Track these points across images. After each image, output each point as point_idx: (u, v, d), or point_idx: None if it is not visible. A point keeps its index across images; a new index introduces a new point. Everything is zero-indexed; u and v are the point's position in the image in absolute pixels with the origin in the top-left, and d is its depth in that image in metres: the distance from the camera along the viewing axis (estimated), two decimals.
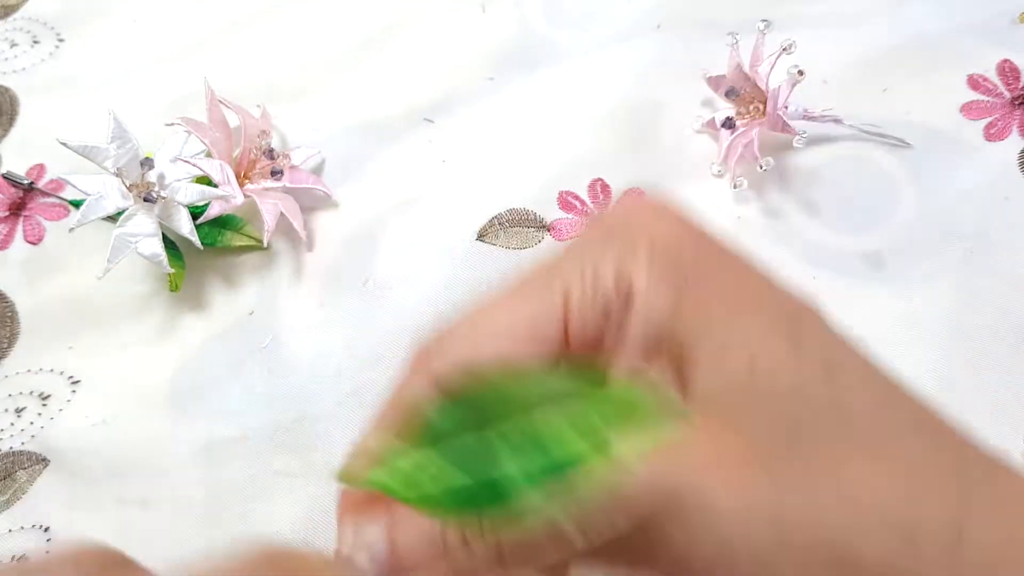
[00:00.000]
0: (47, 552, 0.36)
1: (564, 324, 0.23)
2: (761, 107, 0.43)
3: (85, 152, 0.40)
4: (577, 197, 0.44)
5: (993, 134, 0.44)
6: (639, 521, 0.19)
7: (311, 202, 0.45)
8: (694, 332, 0.21)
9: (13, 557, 0.37)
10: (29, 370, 0.42)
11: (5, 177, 0.46)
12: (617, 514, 0.19)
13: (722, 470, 0.19)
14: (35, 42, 0.53)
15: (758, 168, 0.41)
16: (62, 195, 0.46)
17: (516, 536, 0.19)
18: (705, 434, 0.20)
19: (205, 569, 0.18)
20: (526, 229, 0.43)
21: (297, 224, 0.43)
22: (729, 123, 0.43)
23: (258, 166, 0.44)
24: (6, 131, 0.49)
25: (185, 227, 0.40)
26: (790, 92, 0.41)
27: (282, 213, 0.42)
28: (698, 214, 0.24)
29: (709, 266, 0.22)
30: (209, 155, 0.42)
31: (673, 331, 0.21)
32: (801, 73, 0.40)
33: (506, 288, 0.24)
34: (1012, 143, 0.43)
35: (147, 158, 0.41)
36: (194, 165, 0.40)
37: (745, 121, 0.44)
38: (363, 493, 0.21)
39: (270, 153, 0.44)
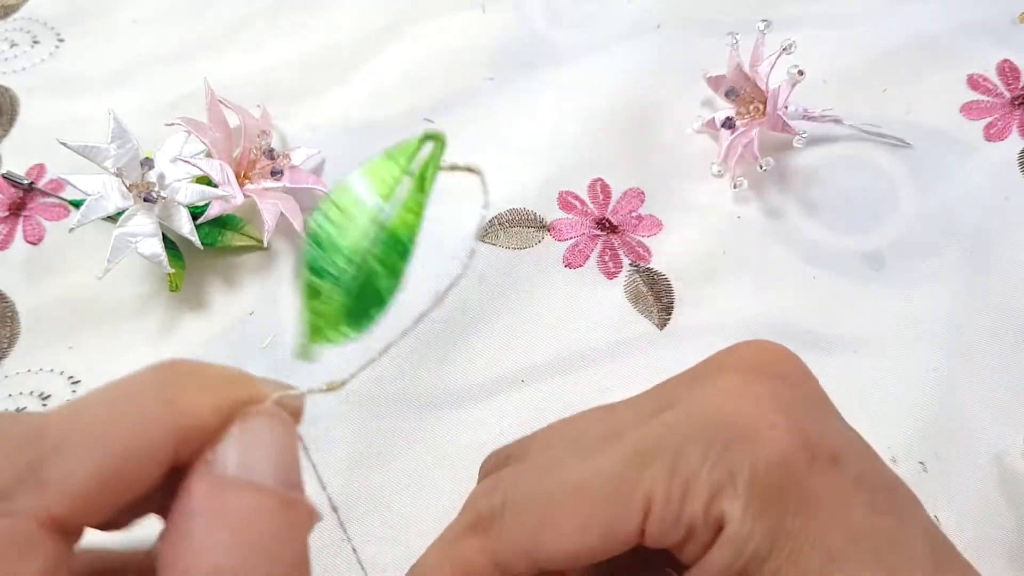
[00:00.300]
0: None
1: (640, 533, 0.22)
2: (761, 107, 0.43)
3: (85, 152, 0.40)
4: (577, 197, 0.44)
5: (993, 134, 0.44)
6: None
7: (311, 202, 0.45)
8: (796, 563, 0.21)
9: None
10: (29, 370, 0.42)
11: (5, 177, 0.46)
12: None
13: None
14: (35, 42, 0.53)
15: (758, 168, 0.41)
16: (62, 195, 0.46)
17: None
18: None
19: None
20: (526, 229, 0.43)
21: (297, 224, 0.43)
22: (729, 123, 0.43)
23: (258, 166, 0.44)
24: (6, 131, 0.49)
25: (185, 227, 0.40)
26: (790, 92, 0.41)
27: (282, 213, 0.42)
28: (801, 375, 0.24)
29: (811, 500, 0.21)
30: (209, 155, 0.42)
31: (760, 571, 0.21)
32: (801, 73, 0.40)
33: (584, 463, 0.23)
34: (1012, 143, 0.43)
35: (147, 158, 0.40)
36: (194, 165, 0.40)
37: (745, 121, 0.44)
38: None
39: (270, 153, 0.44)
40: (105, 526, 0.18)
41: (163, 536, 0.17)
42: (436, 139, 0.22)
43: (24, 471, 0.16)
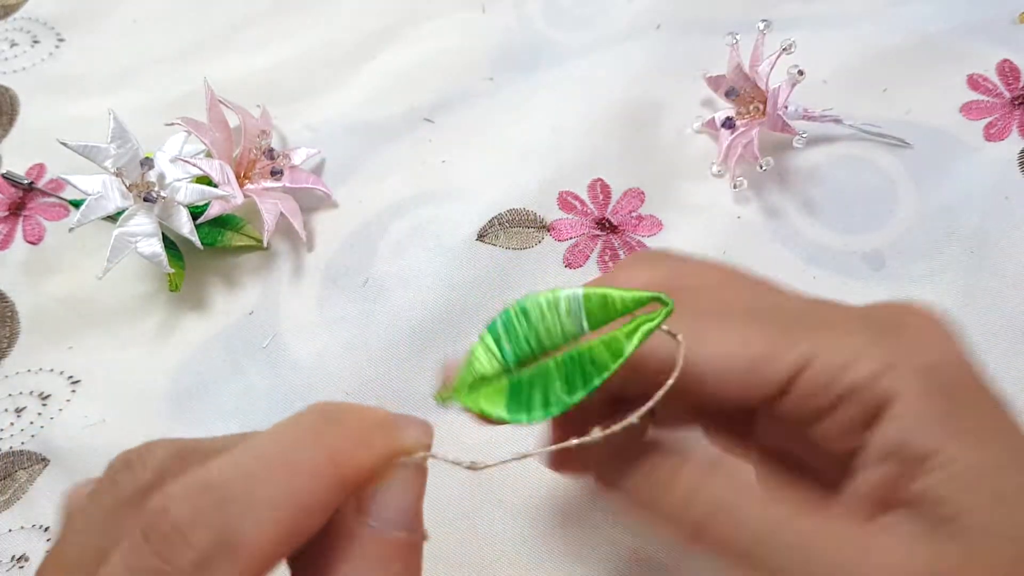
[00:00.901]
0: (47, 553, 0.36)
1: (788, 383, 0.22)
2: (761, 107, 0.43)
3: (85, 152, 0.40)
4: (577, 197, 0.44)
5: (993, 134, 0.44)
6: None
7: (311, 202, 0.45)
8: (964, 463, 0.21)
9: (13, 557, 0.37)
10: (29, 370, 0.42)
11: (5, 177, 0.46)
12: None
13: None
14: (35, 42, 0.53)
15: (758, 168, 0.41)
16: (62, 195, 0.46)
17: None
18: (946, 566, 0.20)
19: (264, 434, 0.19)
20: (526, 229, 0.43)
21: (297, 224, 0.43)
22: (729, 123, 0.43)
23: (258, 166, 0.44)
24: (6, 131, 0.49)
25: (185, 227, 0.40)
26: (790, 92, 0.41)
27: (282, 213, 0.42)
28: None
29: (970, 399, 0.22)
30: (209, 155, 0.42)
31: (935, 458, 0.21)
32: (801, 73, 0.40)
33: (761, 304, 0.24)
34: (1012, 143, 0.43)
35: (147, 158, 0.41)
36: (194, 165, 0.41)
37: (745, 121, 0.44)
38: None
39: (270, 153, 0.44)
40: None
41: (300, 561, 0.19)
42: (666, 305, 0.22)
43: (218, 537, 0.17)
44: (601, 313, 0.23)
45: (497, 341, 0.24)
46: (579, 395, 0.22)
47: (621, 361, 0.22)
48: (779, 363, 0.22)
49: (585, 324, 0.23)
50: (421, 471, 0.21)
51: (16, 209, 0.46)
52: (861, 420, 0.22)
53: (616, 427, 0.22)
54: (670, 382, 0.22)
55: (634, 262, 0.26)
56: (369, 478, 0.20)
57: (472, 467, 0.23)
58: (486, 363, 0.24)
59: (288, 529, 0.18)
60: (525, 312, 0.24)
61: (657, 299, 0.22)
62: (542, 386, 0.23)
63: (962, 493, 0.20)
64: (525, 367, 0.24)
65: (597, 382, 0.22)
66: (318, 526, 0.19)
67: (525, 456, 0.23)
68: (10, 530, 0.38)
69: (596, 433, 0.22)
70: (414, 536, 0.20)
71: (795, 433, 0.24)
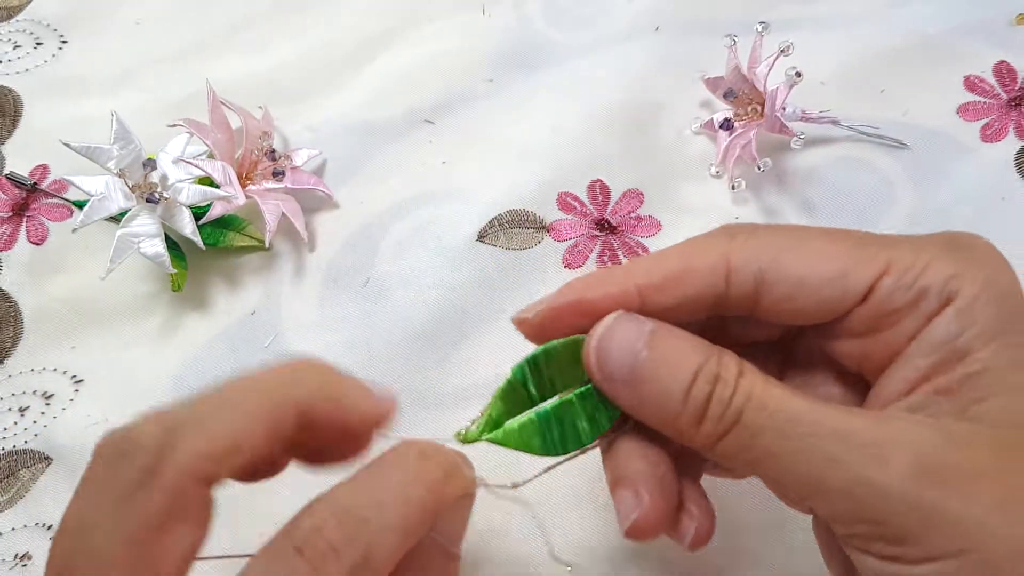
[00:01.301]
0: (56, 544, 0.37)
1: (869, 290, 0.24)
2: (759, 108, 0.43)
3: (88, 153, 0.40)
4: (576, 198, 0.44)
5: (989, 135, 0.44)
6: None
7: (312, 203, 0.45)
8: (1008, 361, 0.23)
9: (16, 555, 0.37)
10: (32, 369, 0.42)
11: (8, 178, 0.47)
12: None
13: (994, 485, 0.21)
14: (38, 43, 0.53)
15: (756, 169, 0.42)
16: (65, 196, 0.46)
17: None
18: (986, 451, 0.22)
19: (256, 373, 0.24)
20: (526, 230, 0.43)
21: (299, 225, 0.43)
22: (727, 124, 0.44)
23: (260, 167, 0.44)
24: (9, 132, 0.49)
25: (187, 228, 0.40)
26: (788, 93, 0.41)
27: (284, 214, 0.43)
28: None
29: (1018, 312, 0.24)
30: (211, 156, 0.42)
31: (977, 353, 0.23)
32: (799, 75, 0.40)
33: (833, 229, 0.26)
34: (1008, 144, 0.44)
35: (149, 159, 0.41)
36: (196, 166, 0.41)
37: (743, 122, 0.44)
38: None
39: (272, 154, 0.44)
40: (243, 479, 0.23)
41: None
42: None
43: (364, 554, 0.21)
44: None
45: (524, 381, 0.26)
46: (605, 427, 0.26)
47: None
48: (862, 271, 0.24)
49: None
50: (471, 499, 0.25)
51: (20, 210, 0.46)
52: (925, 321, 0.24)
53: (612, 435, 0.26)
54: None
55: (709, 237, 0.27)
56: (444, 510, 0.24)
57: (515, 486, 0.26)
58: (514, 400, 0.27)
59: (403, 549, 0.22)
60: (548, 354, 0.26)
61: None
62: (570, 420, 0.26)
63: (987, 386, 0.22)
64: (548, 401, 0.26)
65: (619, 413, 0.26)
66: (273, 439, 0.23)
67: (553, 467, 0.26)
68: (13, 529, 0.38)
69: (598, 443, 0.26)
70: (458, 550, 0.25)
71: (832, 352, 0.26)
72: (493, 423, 0.26)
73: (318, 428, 0.24)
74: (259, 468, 0.25)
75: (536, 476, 0.26)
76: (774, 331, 0.28)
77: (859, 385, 0.26)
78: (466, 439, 0.26)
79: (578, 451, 0.26)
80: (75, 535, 0.21)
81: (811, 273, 0.24)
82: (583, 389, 0.26)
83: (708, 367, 0.24)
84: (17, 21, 0.54)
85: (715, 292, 0.25)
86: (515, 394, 0.26)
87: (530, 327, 0.26)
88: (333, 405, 0.24)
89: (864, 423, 0.22)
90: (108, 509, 0.21)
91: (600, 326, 0.25)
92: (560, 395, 0.26)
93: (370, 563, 0.21)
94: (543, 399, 0.26)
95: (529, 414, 0.26)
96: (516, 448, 0.26)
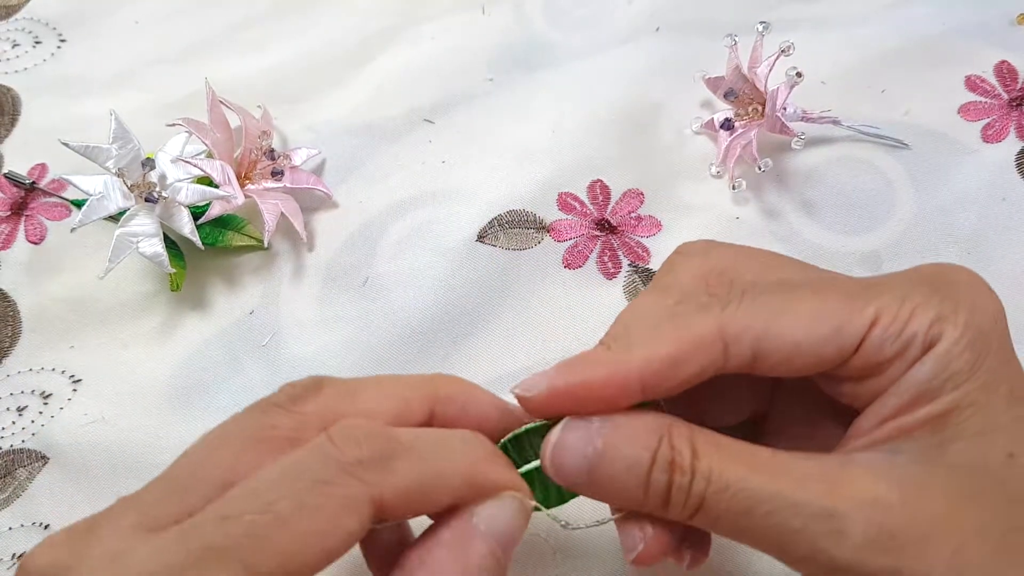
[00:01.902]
0: None
1: (860, 341, 0.24)
2: (760, 108, 0.43)
3: (86, 152, 0.40)
4: (576, 198, 0.44)
5: (991, 135, 0.44)
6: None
7: (311, 202, 0.45)
8: (971, 404, 0.24)
9: (13, 555, 0.37)
10: (31, 369, 0.42)
11: (7, 177, 0.47)
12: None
13: (946, 537, 0.23)
14: (37, 42, 0.53)
15: (757, 169, 0.42)
16: (64, 195, 0.46)
17: None
18: (941, 499, 0.23)
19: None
20: (526, 230, 0.43)
21: (297, 224, 0.43)
22: (728, 124, 0.43)
23: (259, 167, 0.44)
24: (8, 131, 0.49)
25: (186, 227, 0.40)
26: (788, 93, 0.41)
27: (283, 213, 0.43)
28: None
29: (1004, 353, 0.25)
30: (210, 156, 0.42)
31: (946, 395, 0.24)
32: (799, 75, 0.40)
33: (816, 279, 0.27)
34: (1009, 144, 0.43)
35: (148, 158, 0.41)
36: (195, 165, 0.41)
37: (744, 122, 0.44)
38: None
39: (271, 154, 0.44)
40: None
41: (416, 542, 0.25)
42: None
43: (379, 456, 0.23)
44: None
45: (507, 451, 0.28)
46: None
47: None
48: (853, 324, 0.24)
49: None
50: (525, 512, 0.26)
51: (18, 209, 0.46)
52: (910, 366, 0.24)
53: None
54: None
55: (688, 254, 0.28)
56: (487, 491, 0.25)
57: (566, 527, 0.27)
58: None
59: (421, 487, 0.23)
60: (529, 433, 0.27)
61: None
62: (552, 482, 0.27)
63: (951, 427, 0.24)
64: (531, 463, 0.27)
65: None
66: (442, 504, 0.24)
67: (606, 521, 0.27)
68: (10, 528, 0.38)
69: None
70: (502, 558, 0.24)
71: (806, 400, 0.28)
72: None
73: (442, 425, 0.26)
74: None
75: (590, 526, 0.28)
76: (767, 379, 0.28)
77: (849, 412, 0.27)
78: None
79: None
80: None
81: (806, 336, 0.25)
82: None
83: (661, 455, 0.25)
84: (16, 20, 0.54)
85: (715, 367, 0.25)
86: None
87: (529, 405, 0.27)
88: (460, 408, 0.27)
89: (820, 491, 0.23)
90: None
91: (551, 437, 0.26)
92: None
93: (387, 467, 0.23)
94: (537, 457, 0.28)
95: (529, 467, 0.27)
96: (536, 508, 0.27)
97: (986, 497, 0.23)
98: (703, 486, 0.24)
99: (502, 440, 0.27)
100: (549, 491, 0.27)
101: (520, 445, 0.27)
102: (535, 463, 0.27)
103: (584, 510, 0.28)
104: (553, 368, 0.26)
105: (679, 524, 0.26)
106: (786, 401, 0.30)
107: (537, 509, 0.26)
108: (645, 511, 0.26)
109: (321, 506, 0.22)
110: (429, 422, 0.26)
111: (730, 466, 0.24)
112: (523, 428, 0.27)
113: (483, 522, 0.24)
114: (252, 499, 0.22)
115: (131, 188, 0.40)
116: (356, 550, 0.25)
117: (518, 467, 0.27)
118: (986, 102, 0.45)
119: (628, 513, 0.27)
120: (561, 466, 0.26)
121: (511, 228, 0.43)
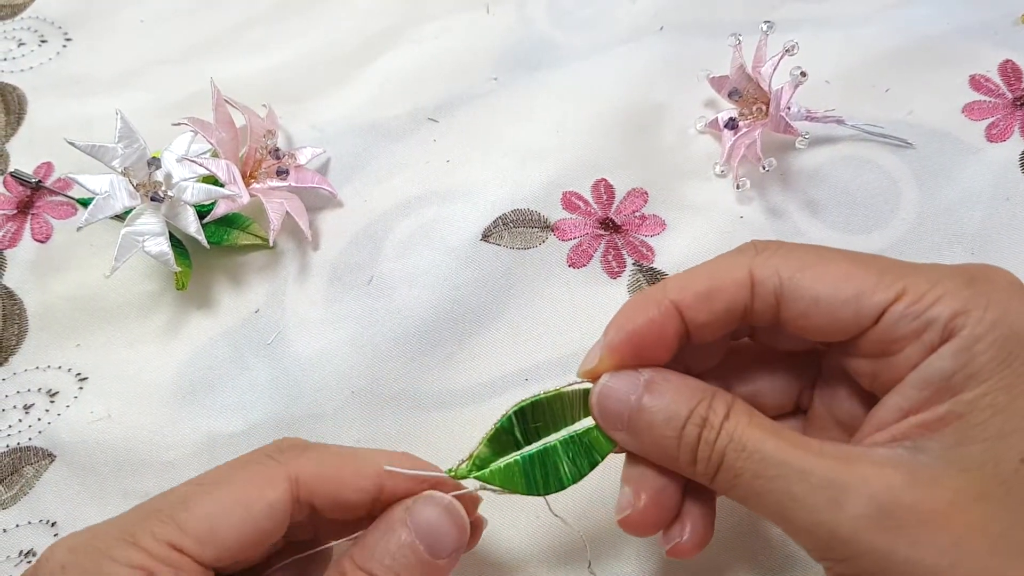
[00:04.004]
0: None
1: (881, 312, 0.25)
2: (764, 108, 0.43)
3: (92, 152, 0.40)
4: (581, 197, 0.44)
5: (995, 134, 0.44)
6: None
7: (316, 201, 0.45)
8: (991, 405, 0.23)
9: (20, 552, 0.37)
10: (37, 367, 0.42)
11: (13, 175, 0.47)
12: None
13: (947, 528, 0.23)
14: (42, 41, 0.53)
15: (761, 168, 0.42)
16: (70, 194, 0.46)
17: None
18: (947, 494, 0.23)
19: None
20: (530, 229, 0.43)
21: (302, 223, 0.43)
22: (732, 124, 0.43)
23: (264, 166, 0.44)
24: (14, 130, 0.49)
25: (192, 226, 0.41)
26: (793, 93, 0.41)
27: (288, 212, 0.43)
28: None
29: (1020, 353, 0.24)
30: (215, 155, 0.42)
31: (966, 393, 0.24)
32: (804, 74, 0.40)
33: (857, 253, 0.27)
34: (1014, 143, 0.43)
35: (154, 158, 0.41)
36: (200, 165, 0.41)
37: (748, 122, 0.44)
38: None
39: (276, 153, 0.44)
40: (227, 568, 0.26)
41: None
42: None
43: (297, 447, 0.28)
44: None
45: (511, 428, 0.29)
46: (586, 471, 0.29)
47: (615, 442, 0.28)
48: (876, 295, 0.25)
49: (582, 412, 0.29)
50: (451, 511, 0.28)
51: (24, 208, 0.46)
52: (927, 352, 0.24)
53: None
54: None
55: (736, 252, 0.29)
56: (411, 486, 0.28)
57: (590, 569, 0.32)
58: (501, 444, 0.29)
59: (336, 468, 0.28)
60: (535, 405, 0.29)
61: None
62: (552, 463, 0.29)
63: (968, 428, 0.24)
64: (532, 445, 0.29)
65: (600, 460, 0.29)
66: (362, 488, 0.28)
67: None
68: (17, 525, 0.38)
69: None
70: (423, 553, 0.27)
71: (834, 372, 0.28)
72: (480, 463, 0.29)
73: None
74: None
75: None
76: (802, 344, 0.29)
77: (876, 403, 0.27)
78: (457, 475, 0.29)
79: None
80: None
81: (826, 293, 0.25)
82: (567, 436, 0.29)
83: (698, 411, 0.26)
84: (21, 19, 0.54)
85: (743, 305, 0.26)
86: (502, 439, 0.29)
87: (596, 373, 0.28)
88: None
89: (827, 464, 0.24)
90: None
91: (598, 383, 0.28)
92: (544, 440, 0.29)
93: (304, 452, 0.28)
94: (528, 444, 0.29)
95: (515, 456, 0.29)
96: (501, 486, 0.29)
97: (995, 498, 0.23)
98: (725, 443, 0.25)
99: (507, 413, 0.29)
100: (541, 475, 0.29)
101: (522, 421, 0.29)
102: (534, 447, 0.29)
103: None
104: (602, 335, 0.28)
105: (677, 495, 0.28)
106: (825, 403, 0.30)
107: (485, 488, 0.29)
108: (675, 467, 0.27)
109: (243, 478, 0.27)
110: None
111: (753, 432, 0.25)
112: (519, 404, 0.29)
113: (409, 515, 0.27)
114: (192, 480, 0.27)
115: (137, 187, 0.41)
116: None
117: (512, 447, 0.29)
118: (990, 101, 0.45)
119: (628, 466, 0.29)
120: (605, 409, 0.28)
121: (515, 227, 0.43)
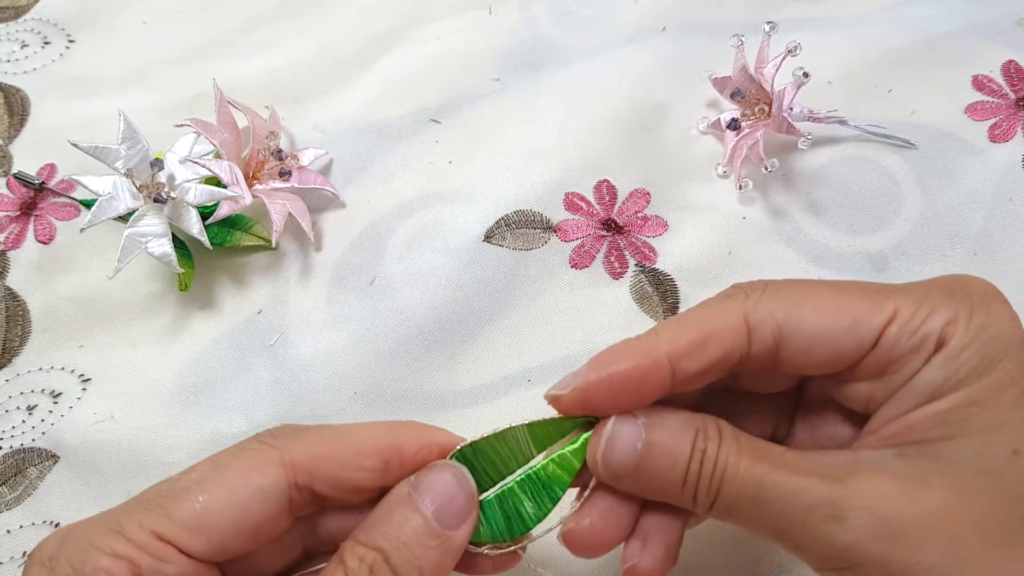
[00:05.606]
0: None
1: (878, 336, 0.25)
2: (766, 108, 0.43)
3: (95, 153, 0.40)
4: (583, 198, 0.44)
5: (998, 135, 0.44)
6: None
7: (319, 202, 0.45)
8: (977, 402, 0.24)
9: (24, 553, 0.38)
10: (40, 368, 0.42)
11: (16, 177, 0.47)
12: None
13: (943, 528, 0.23)
14: (46, 43, 0.53)
15: (763, 169, 0.42)
16: (73, 195, 0.46)
17: None
18: (941, 492, 0.24)
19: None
20: (532, 230, 0.43)
21: (305, 224, 0.43)
22: (734, 124, 0.43)
23: (266, 167, 0.44)
24: (17, 131, 0.50)
25: (195, 227, 0.41)
26: (795, 93, 0.41)
27: (290, 213, 0.43)
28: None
29: (1013, 359, 0.25)
30: (218, 156, 0.42)
31: (952, 395, 0.24)
32: (806, 75, 0.40)
33: (837, 280, 0.27)
34: (1016, 144, 0.43)
35: (157, 159, 0.41)
36: (203, 166, 0.41)
37: (750, 122, 0.44)
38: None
39: (278, 154, 0.44)
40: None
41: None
42: (591, 424, 0.28)
43: (291, 431, 0.27)
44: (545, 438, 0.28)
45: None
46: (549, 508, 0.28)
47: (574, 474, 0.28)
48: (872, 320, 0.25)
49: (532, 449, 0.28)
50: (460, 478, 0.27)
51: (27, 209, 0.47)
52: (923, 364, 0.25)
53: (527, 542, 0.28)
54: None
55: (723, 298, 0.28)
56: (419, 456, 0.27)
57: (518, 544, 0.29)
58: None
59: (333, 450, 0.27)
60: (475, 450, 0.28)
61: (588, 422, 0.28)
62: (512, 505, 0.28)
63: (952, 425, 0.24)
64: (490, 491, 0.28)
65: (561, 494, 0.28)
66: (367, 467, 0.27)
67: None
68: (21, 526, 0.38)
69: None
70: (432, 521, 0.26)
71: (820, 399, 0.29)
72: None
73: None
74: None
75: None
76: (788, 381, 0.29)
77: (865, 422, 0.27)
78: None
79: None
80: None
81: (826, 326, 0.26)
82: (523, 476, 0.28)
83: (697, 447, 0.26)
84: (24, 20, 0.54)
85: (740, 351, 0.26)
86: None
87: (564, 404, 0.27)
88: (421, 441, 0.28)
89: (822, 483, 0.24)
90: None
91: (604, 432, 0.27)
92: (500, 484, 0.28)
93: (299, 436, 0.27)
94: (482, 490, 0.28)
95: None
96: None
97: (987, 492, 0.24)
98: (720, 475, 0.25)
99: (457, 449, 0.28)
100: (503, 520, 0.28)
101: (475, 470, 0.28)
102: (492, 492, 0.28)
103: None
104: (583, 366, 0.27)
105: (622, 527, 0.27)
106: (808, 431, 0.30)
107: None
108: (678, 503, 0.27)
109: (233, 465, 0.26)
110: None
111: (743, 458, 0.25)
112: (459, 449, 0.28)
113: (414, 484, 0.27)
114: (185, 470, 0.27)
115: (140, 188, 0.41)
116: None
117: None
118: (993, 102, 0.45)
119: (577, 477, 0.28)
120: (611, 460, 0.27)
121: (518, 228, 0.43)
